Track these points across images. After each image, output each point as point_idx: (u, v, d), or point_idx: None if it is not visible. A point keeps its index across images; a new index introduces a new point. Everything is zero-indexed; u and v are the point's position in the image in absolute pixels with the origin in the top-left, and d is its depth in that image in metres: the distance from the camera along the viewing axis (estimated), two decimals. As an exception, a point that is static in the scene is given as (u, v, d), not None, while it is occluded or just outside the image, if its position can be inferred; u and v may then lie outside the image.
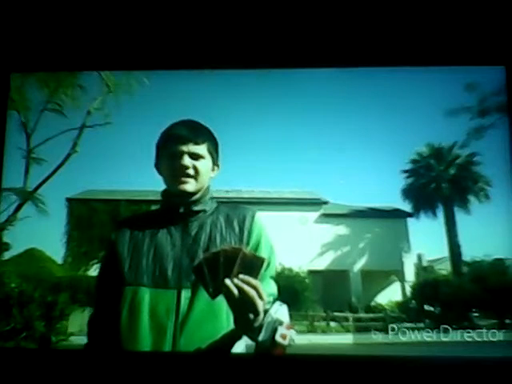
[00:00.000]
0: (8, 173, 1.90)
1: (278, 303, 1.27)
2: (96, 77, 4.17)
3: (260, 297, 1.16)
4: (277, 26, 1.91)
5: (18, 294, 3.70)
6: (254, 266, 1.19)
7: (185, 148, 1.35)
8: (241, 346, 1.23)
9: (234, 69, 2.00)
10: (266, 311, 1.20)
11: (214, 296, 1.19)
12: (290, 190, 6.30)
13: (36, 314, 3.66)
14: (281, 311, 1.25)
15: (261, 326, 1.19)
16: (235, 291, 1.15)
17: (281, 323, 1.20)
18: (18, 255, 4.41)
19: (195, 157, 1.36)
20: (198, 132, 1.39)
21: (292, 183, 5.96)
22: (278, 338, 1.18)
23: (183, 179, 1.35)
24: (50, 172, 4.48)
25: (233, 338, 1.24)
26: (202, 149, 1.37)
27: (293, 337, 1.21)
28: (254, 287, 1.16)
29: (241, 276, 1.16)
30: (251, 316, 1.17)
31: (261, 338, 1.18)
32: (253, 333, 1.20)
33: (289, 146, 5.23)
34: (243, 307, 1.16)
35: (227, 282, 1.16)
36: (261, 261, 1.21)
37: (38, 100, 4.19)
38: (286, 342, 1.19)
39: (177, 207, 1.36)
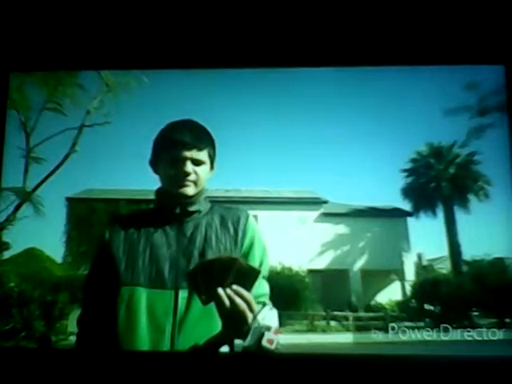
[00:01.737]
0: (7, 172, 1.89)
1: (267, 308, 1.27)
2: (95, 76, 4.17)
3: (251, 310, 1.18)
4: (276, 25, 1.91)
5: (17, 294, 3.70)
6: (248, 276, 1.20)
7: (188, 154, 1.34)
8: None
9: (233, 68, 2.00)
10: (255, 315, 1.21)
11: (205, 303, 1.20)
12: (290, 189, 6.31)
13: (36, 314, 3.67)
14: (269, 316, 1.25)
15: (248, 331, 1.19)
16: (227, 302, 1.16)
17: (268, 328, 1.20)
18: (18, 255, 4.41)
19: (197, 163, 1.36)
20: (201, 138, 1.38)
21: (292, 182, 5.97)
22: (264, 343, 1.18)
23: (184, 183, 1.35)
24: (50, 171, 4.48)
25: (221, 339, 1.24)
26: (203, 155, 1.37)
27: (280, 342, 1.22)
28: (246, 300, 1.17)
29: (234, 287, 1.17)
30: (239, 325, 1.19)
31: (246, 343, 1.19)
32: (239, 337, 1.20)
33: (288, 145, 5.24)
34: (232, 317, 1.18)
35: (220, 291, 1.16)
36: (256, 272, 1.22)
37: (37, 99, 4.19)
38: (272, 347, 1.19)
39: (173, 207, 1.36)
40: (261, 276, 1.30)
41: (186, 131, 1.37)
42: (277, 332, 1.21)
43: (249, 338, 1.19)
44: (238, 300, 1.16)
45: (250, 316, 1.18)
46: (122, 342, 1.25)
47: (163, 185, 1.40)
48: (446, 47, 1.86)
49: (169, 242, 1.33)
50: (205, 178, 1.39)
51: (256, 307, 1.20)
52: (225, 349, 1.24)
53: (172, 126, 1.41)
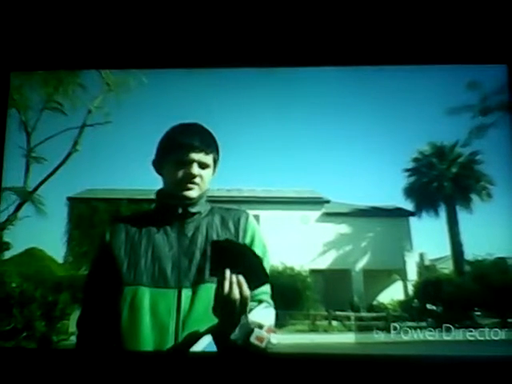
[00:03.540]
0: (8, 172, 1.90)
1: (262, 305, 1.30)
2: (96, 75, 4.18)
3: (242, 306, 1.19)
4: (276, 24, 1.91)
5: (18, 294, 3.70)
6: (257, 278, 1.23)
7: (195, 157, 1.36)
8: (208, 339, 1.24)
9: (234, 67, 2.00)
10: (245, 311, 1.23)
11: (209, 275, 1.25)
12: (292, 189, 6.31)
13: (37, 314, 3.67)
14: (263, 314, 1.27)
15: (236, 324, 1.21)
16: (226, 286, 1.18)
17: (260, 326, 1.21)
18: (19, 255, 4.41)
19: (203, 166, 1.38)
20: (208, 142, 1.40)
21: (293, 182, 5.97)
22: (252, 339, 1.20)
23: (189, 186, 1.37)
24: (51, 171, 4.49)
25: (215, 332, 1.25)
26: (209, 159, 1.39)
27: (272, 341, 1.22)
28: (243, 295, 1.19)
29: (240, 277, 1.19)
30: (226, 314, 1.20)
31: (232, 336, 1.20)
32: (228, 330, 1.21)
33: (290, 145, 5.24)
34: (223, 303, 1.19)
35: (227, 273, 1.19)
36: (265, 279, 1.26)
37: (38, 99, 4.20)
38: (262, 345, 1.20)
39: (175, 208, 1.37)
40: None
41: (195, 135, 1.39)
42: (269, 330, 1.22)
43: (236, 331, 1.20)
44: (236, 290, 1.18)
45: (238, 311, 1.19)
46: (126, 341, 1.25)
47: (166, 186, 1.41)
48: (448, 46, 1.86)
49: (170, 242, 1.34)
50: (208, 180, 1.41)
51: (248, 307, 1.21)
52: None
53: (180, 128, 1.43)
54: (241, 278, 1.19)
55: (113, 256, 1.33)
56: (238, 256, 1.22)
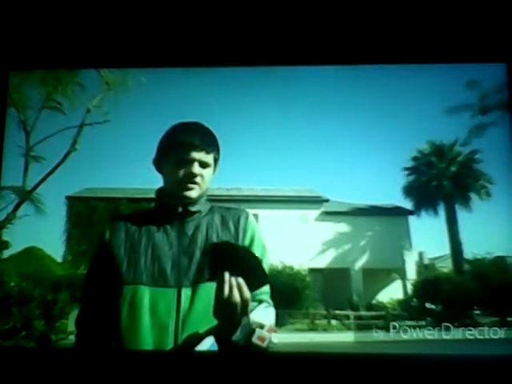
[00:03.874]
0: (7, 171, 1.89)
1: (262, 305, 1.29)
2: (95, 75, 4.17)
3: (243, 309, 1.18)
4: (277, 23, 1.90)
5: (17, 293, 3.70)
6: (257, 279, 1.22)
7: (196, 156, 1.35)
8: (211, 340, 1.24)
9: (234, 66, 2.00)
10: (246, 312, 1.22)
11: (208, 279, 1.24)
12: (291, 188, 6.31)
13: (36, 313, 3.66)
14: (264, 314, 1.26)
15: (237, 325, 1.20)
16: (226, 288, 1.17)
17: (261, 326, 1.21)
18: (18, 253, 4.42)
19: (204, 165, 1.37)
20: (209, 141, 1.39)
21: (293, 181, 5.97)
22: (254, 339, 1.19)
23: (189, 185, 1.36)
24: (50, 170, 4.49)
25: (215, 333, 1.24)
26: (210, 158, 1.38)
27: (273, 340, 1.21)
28: (243, 298, 1.18)
29: (239, 279, 1.18)
30: (227, 317, 1.20)
31: (234, 337, 1.19)
32: (228, 331, 1.21)
33: (289, 144, 5.25)
34: (223, 306, 1.18)
35: (226, 275, 1.18)
36: (265, 281, 1.25)
37: (37, 98, 4.20)
38: (263, 345, 1.19)
39: (175, 207, 1.36)
40: None
41: (196, 134, 1.38)
42: (271, 330, 1.21)
43: (237, 332, 1.19)
44: (236, 293, 1.17)
45: (239, 313, 1.18)
46: (125, 340, 1.25)
47: (167, 184, 1.40)
48: (448, 45, 1.86)
49: (170, 241, 1.33)
50: (209, 180, 1.40)
51: (249, 309, 1.21)
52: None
53: (181, 127, 1.42)
54: (240, 280, 1.18)
55: (112, 255, 1.32)
56: (237, 258, 1.21)
